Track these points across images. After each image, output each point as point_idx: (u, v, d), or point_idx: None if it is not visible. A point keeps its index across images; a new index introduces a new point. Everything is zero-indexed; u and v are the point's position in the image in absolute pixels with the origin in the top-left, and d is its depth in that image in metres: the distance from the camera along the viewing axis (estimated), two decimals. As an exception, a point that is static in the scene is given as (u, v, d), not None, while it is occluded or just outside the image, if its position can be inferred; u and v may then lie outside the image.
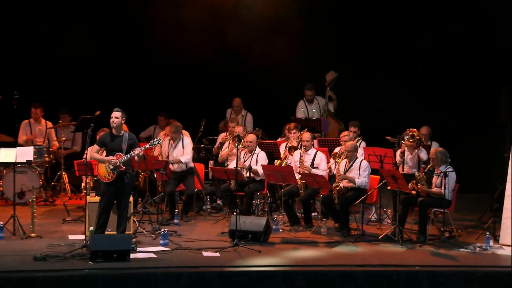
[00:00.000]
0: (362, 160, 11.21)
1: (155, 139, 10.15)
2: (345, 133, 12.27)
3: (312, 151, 11.73)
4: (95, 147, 9.90)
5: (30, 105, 13.86)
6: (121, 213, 9.77)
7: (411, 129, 11.48)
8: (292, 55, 15.06)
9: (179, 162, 11.96)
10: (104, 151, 9.91)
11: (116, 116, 9.75)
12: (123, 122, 9.82)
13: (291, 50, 15.02)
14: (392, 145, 11.91)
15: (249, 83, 14.98)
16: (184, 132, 12.66)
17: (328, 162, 11.81)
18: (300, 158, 11.60)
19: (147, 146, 10.05)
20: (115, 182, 9.70)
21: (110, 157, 9.69)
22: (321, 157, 11.66)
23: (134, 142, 9.87)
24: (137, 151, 9.70)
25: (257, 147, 12.06)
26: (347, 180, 11.04)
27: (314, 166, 11.57)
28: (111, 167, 9.66)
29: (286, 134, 12.95)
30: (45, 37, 14.73)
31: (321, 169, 11.56)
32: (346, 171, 11.12)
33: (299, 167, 11.54)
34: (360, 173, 11.01)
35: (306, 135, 11.77)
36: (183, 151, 12.01)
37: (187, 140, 12.22)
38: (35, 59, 14.69)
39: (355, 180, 10.96)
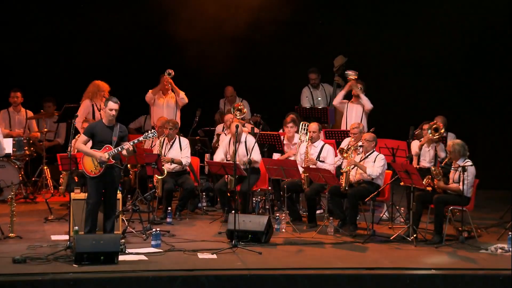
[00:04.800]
0: (379, 154, 11.18)
1: (149, 132, 10.11)
2: (355, 124, 12.24)
3: (319, 143, 11.73)
4: (83, 137, 9.87)
5: (11, 90, 13.89)
6: (108, 209, 9.78)
7: (436, 122, 11.45)
8: (295, 38, 15.09)
9: (180, 163, 11.98)
10: (91, 142, 9.86)
11: (116, 109, 9.75)
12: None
13: (293, 33, 15.06)
14: (405, 137, 11.90)
15: (246, 69, 14.98)
16: (180, 92, 12.94)
17: (336, 156, 11.81)
18: (305, 150, 11.60)
19: (141, 139, 10.01)
20: (102, 177, 9.70)
21: (98, 153, 9.66)
22: (328, 150, 11.65)
23: (125, 134, 9.88)
24: (126, 145, 9.69)
25: (243, 134, 11.98)
26: (359, 171, 11.00)
27: (321, 159, 11.56)
28: (99, 160, 9.66)
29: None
30: (29, 20, 14.76)
31: (328, 163, 11.55)
32: (360, 161, 11.09)
33: (303, 160, 11.52)
34: (374, 164, 10.99)
35: (313, 126, 11.76)
36: (181, 152, 12.05)
37: (186, 141, 12.28)
38: (17, 44, 14.72)
39: (366, 169, 10.93)
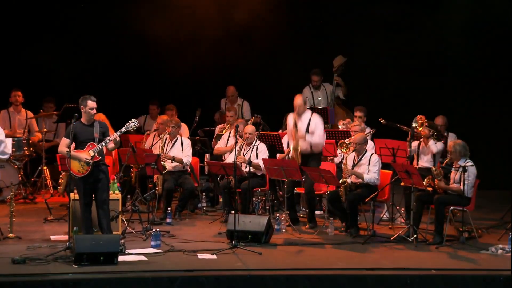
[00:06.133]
0: (372, 154, 11.17)
1: (130, 122, 9.94)
2: (356, 122, 12.25)
3: (306, 115, 11.53)
4: (65, 140, 9.78)
5: (12, 90, 13.87)
6: (101, 208, 9.75)
7: (418, 117, 11.45)
8: (296, 38, 15.09)
9: (181, 162, 11.99)
10: (74, 143, 9.81)
11: (96, 107, 9.78)
12: None
13: (293, 34, 15.06)
14: (404, 136, 11.89)
15: (246, 69, 14.98)
16: (183, 125, 12.78)
17: (334, 154, 11.81)
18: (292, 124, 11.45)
19: (123, 130, 9.89)
20: (90, 175, 9.70)
21: (84, 155, 9.65)
22: (316, 123, 11.47)
23: (106, 129, 9.92)
24: (112, 136, 9.70)
25: (256, 139, 12.01)
26: (355, 176, 11.02)
27: (310, 132, 11.43)
28: (85, 161, 9.65)
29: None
30: (27, 21, 14.77)
31: (318, 135, 11.41)
32: (354, 165, 11.09)
33: (292, 136, 11.40)
34: (369, 168, 10.98)
35: (298, 99, 11.51)
36: (182, 151, 12.04)
37: (187, 141, 12.31)
38: (17, 44, 14.71)
39: (363, 176, 10.93)
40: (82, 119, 9.81)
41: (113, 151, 11.16)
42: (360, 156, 11.11)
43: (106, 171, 9.86)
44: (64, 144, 9.78)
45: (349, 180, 11.02)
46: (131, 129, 9.96)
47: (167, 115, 13.34)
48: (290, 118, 11.63)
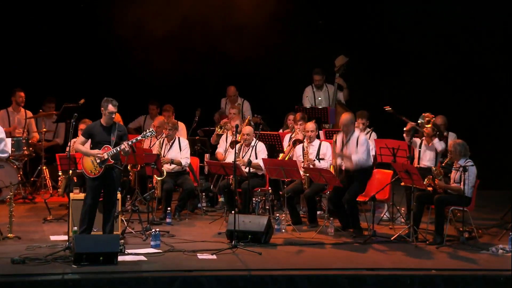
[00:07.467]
0: (360, 134, 11.10)
1: (147, 131, 10.10)
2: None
3: (316, 142, 11.69)
4: (81, 138, 9.90)
5: (14, 90, 13.84)
6: (108, 211, 9.79)
7: (425, 114, 11.44)
8: (296, 38, 15.09)
9: (179, 164, 11.98)
10: (90, 143, 9.87)
11: (116, 111, 9.80)
12: None
13: (295, 34, 15.06)
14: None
15: (246, 68, 14.99)
16: (181, 125, 12.74)
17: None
18: (303, 151, 11.56)
19: (139, 138, 10.02)
20: (102, 177, 9.69)
21: (97, 151, 9.68)
22: (327, 147, 11.61)
23: (124, 133, 9.90)
24: (123, 145, 9.69)
25: (254, 139, 12.00)
26: (347, 159, 10.94)
27: (320, 157, 11.53)
28: (98, 160, 9.65)
29: (289, 125, 12.94)
30: (28, 22, 14.76)
31: (327, 160, 11.52)
32: (342, 146, 11.03)
33: (302, 161, 11.49)
34: (357, 149, 10.90)
35: (310, 125, 11.72)
36: (180, 153, 12.03)
37: (185, 141, 12.30)
38: (17, 44, 14.70)
39: (351, 157, 10.86)
40: (102, 120, 9.85)
41: None
42: (348, 136, 11.04)
43: (118, 175, 9.88)
44: (78, 142, 9.88)
45: (339, 161, 10.97)
46: (147, 138, 10.04)
47: (164, 116, 13.32)
48: (299, 148, 11.69)
